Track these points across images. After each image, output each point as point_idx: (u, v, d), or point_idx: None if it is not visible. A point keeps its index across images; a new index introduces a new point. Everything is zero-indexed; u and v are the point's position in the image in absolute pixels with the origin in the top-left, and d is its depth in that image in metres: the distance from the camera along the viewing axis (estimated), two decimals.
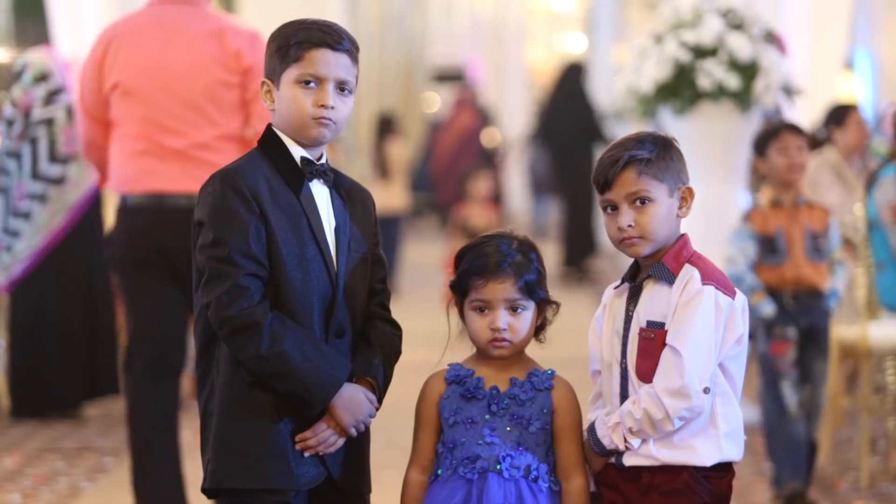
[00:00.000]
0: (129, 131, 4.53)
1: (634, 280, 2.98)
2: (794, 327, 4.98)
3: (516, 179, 19.62)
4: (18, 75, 6.60)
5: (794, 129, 5.05)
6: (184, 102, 4.52)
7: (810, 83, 8.39)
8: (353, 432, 2.95)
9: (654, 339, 2.89)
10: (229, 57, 4.52)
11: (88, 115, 4.64)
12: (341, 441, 2.95)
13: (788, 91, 6.39)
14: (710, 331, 2.87)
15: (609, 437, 2.92)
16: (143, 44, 4.54)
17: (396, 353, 3.06)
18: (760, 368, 5.09)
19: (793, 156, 4.95)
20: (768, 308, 4.95)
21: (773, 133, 5.02)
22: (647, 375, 2.89)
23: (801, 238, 4.97)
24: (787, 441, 4.99)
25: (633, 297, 2.96)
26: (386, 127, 12.42)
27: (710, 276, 2.90)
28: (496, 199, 12.43)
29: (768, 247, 4.99)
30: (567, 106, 12.18)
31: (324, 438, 2.93)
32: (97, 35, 4.71)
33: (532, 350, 3.05)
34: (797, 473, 4.95)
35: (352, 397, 2.93)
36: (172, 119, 4.52)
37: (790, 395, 4.97)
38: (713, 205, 6.34)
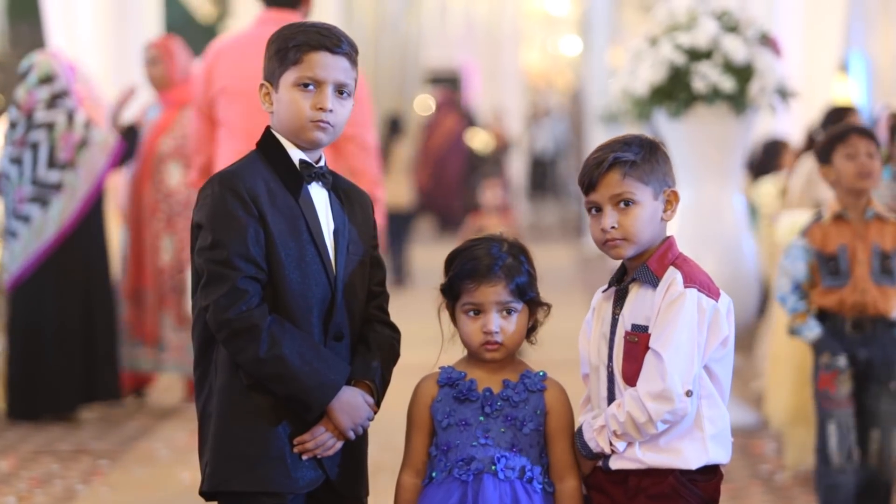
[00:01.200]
0: (234, 129, 5.28)
1: (621, 283, 2.98)
2: (844, 357, 4.42)
3: (519, 181, 19.62)
4: (24, 75, 6.59)
5: (863, 133, 4.51)
6: None
7: (805, 86, 8.41)
8: (352, 435, 2.96)
9: (638, 343, 2.89)
10: None
11: (202, 113, 5.43)
12: (339, 444, 2.96)
13: (783, 94, 6.39)
14: (692, 333, 2.86)
15: (595, 441, 2.92)
16: (247, 54, 5.26)
17: (395, 356, 3.06)
18: (814, 404, 4.56)
19: (863, 162, 4.40)
20: (814, 331, 4.45)
21: (840, 137, 4.48)
22: (632, 379, 2.90)
23: (866, 258, 4.41)
24: (828, 494, 4.45)
25: (620, 301, 2.96)
26: (395, 127, 13.39)
27: (693, 278, 2.89)
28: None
29: (829, 267, 4.43)
30: None
31: (322, 441, 2.93)
32: (207, 50, 5.62)
33: (526, 353, 3.06)
34: None
35: (350, 401, 2.93)
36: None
37: (835, 441, 4.42)
38: (707, 208, 6.34)
